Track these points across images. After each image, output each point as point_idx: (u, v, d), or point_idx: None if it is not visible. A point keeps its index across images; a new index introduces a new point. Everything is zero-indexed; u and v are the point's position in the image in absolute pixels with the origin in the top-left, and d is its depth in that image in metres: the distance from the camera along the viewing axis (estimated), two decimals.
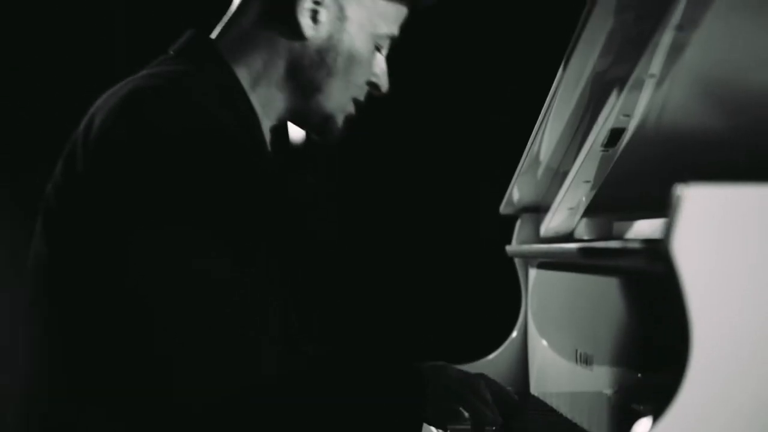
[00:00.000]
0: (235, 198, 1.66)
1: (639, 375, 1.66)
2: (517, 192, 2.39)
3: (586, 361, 1.92)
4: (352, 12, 1.85)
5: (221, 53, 1.85)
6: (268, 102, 1.87)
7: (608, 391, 1.79)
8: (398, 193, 4.07)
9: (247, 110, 1.84)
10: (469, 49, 3.89)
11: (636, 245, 1.56)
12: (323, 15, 1.83)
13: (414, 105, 3.97)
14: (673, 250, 1.32)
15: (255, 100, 1.86)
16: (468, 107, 3.96)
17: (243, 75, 1.85)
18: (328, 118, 1.89)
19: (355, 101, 1.91)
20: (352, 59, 1.86)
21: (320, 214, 4.12)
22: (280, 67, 1.86)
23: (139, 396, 1.63)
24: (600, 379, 1.84)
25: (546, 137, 2.13)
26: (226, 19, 1.89)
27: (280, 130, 1.96)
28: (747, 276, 1.33)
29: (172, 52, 1.85)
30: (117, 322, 1.63)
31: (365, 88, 1.91)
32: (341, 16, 1.85)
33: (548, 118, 2.06)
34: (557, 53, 1.94)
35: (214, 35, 1.88)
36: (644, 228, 1.95)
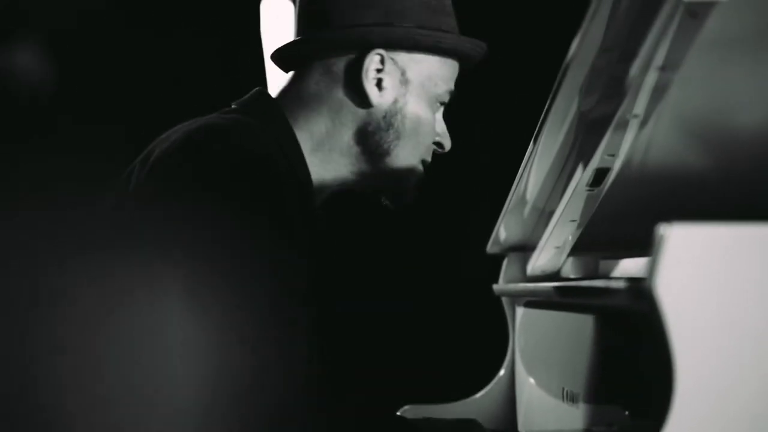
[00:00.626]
0: (275, 251, 1.65)
1: (624, 413, 1.67)
2: (503, 231, 2.40)
3: (572, 399, 1.93)
4: (413, 74, 1.89)
5: (285, 116, 1.86)
6: (329, 167, 1.88)
7: (594, 429, 1.79)
8: (385, 232, 4.07)
9: (301, 172, 1.84)
10: (457, 88, 3.91)
11: (620, 284, 1.57)
12: (387, 81, 1.86)
13: None
14: (656, 289, 1.33)
15: (314, 164, 1.87)
16: (454, 146, 3.97)
17: (304, 138, 1.86)
18: (399, 182, 1.91)
19: (423, 162, 1.94)
20: (418, 121, 1.89)
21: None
22: (345, 134, 1.88)
23: None
24: (586, 417, 1.84)
25: (532, 177, 2.15)
26: (285, 83, 1.91)
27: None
28: (730, 314, 1.34)
29: (235, 106, 1.87)
30: None
31: (432, 148, 1.94)
32: (404, 80, 1.88)
33: (534, 158, 2.08)
34: (542, 92, 1.95)
35: (279, 93, 1.90)
36: (630, 266, 1.97)
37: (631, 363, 1.66)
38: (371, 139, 1.89)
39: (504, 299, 2.50)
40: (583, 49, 1.80)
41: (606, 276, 2.07)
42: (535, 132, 2.00)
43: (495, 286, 2.50)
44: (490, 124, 3.81)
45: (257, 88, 1.91)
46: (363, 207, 4.02)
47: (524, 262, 2.39)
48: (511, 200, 2.26)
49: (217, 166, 1.64)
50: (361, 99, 1.87)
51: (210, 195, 1.63)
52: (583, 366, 1.89)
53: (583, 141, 1.91)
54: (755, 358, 1.36)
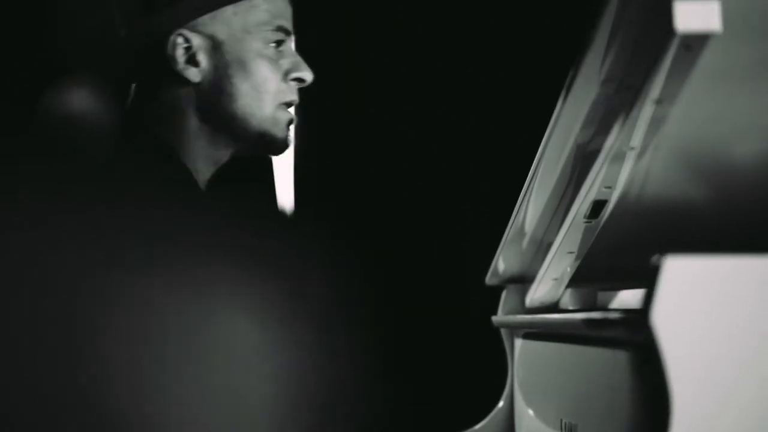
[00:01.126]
0: None
1: None
2: (502, 263, 2.41)
3: (570, 430, 1.93)
4: (222, 34, 1.89)
5: (146, 127, 1.89)
6: (199, 158, 1.90)
7: None
8: (383, 262, 4.07)
9: (181, 172, 1.87)
10: (453, 120, 3.92)
11: (617, 315, 1.57)
12: (200, 55, 1.88)
13: (399, 175, 3.99)
14: (653, 320, 1.34)
15: (188, 157, 1.89)
16: (453, 178, 3.98)
17: (169, 139, 1.89)
18: (261, 136, 1.93)
19: (288, 104, 1.94)
20: (247, 75, 1.89)
21: None
22: (191, 118, 1.90)
23: None
24: None
25: (530, 208, 2.15)
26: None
27: None
28: (727, 346, 1.35)
29: None
30: None
31: (288, 89, 1.94)
32: (216, 44, 1.89)
33: (532, 189, 2.08)
34: (539, 123, 1.96)
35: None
36: (628, 298, 1.98)
37: (629, 395, 1.66)
38: (212, 113, 1.90)
39: (503, 330, 2.50)
40: (579, 80, 1.81)
41: (604, 307, 2.08)
42: (534, 164, 2.01)
43: (494, 318, 2.50)
44: (488, 155, 3.82)
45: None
46: (364, 234, 4.04)
47: (523, 294, 2.39)
48: (509, 232, 2.27)
49: None
50: (183, 83, 1.89)
51: None
52: (582, 398, 1.90)
53: (581, 173, 1.91)
54: (753, 390, 1.36)
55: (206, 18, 1.88)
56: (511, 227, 2.25)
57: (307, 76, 1.96)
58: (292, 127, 1.98)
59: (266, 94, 1.91)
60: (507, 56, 3.75)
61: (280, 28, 1.95)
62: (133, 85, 1.94)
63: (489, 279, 2.49)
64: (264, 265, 1.98)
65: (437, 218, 4.00)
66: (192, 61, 1.88)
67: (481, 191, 3.83)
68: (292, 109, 2.00)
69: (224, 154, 1.94)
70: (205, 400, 1.63)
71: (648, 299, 1.34)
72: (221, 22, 1.89)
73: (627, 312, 1.55)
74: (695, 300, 1.35)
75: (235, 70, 1.89)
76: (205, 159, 1.92)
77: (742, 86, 1.71)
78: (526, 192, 2.10)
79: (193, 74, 1.88)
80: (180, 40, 1.88)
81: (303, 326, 1.88)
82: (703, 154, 1.81)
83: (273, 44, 1.94)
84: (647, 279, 1.36)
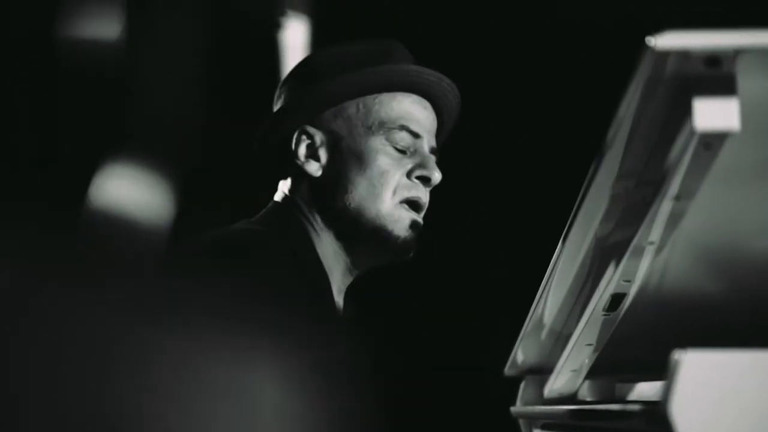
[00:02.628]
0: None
1: None
2: (521, 353, 2.42)
3: None
4: (343, 130, 1.91)
5: (298, 218, 1.90)
6: (329, 254, 1.91)
7: None
8: (404, 354, 4.08)
9: (315, 263, 1.87)
10: (475, 211, 3.95)
11: (635, 408, 1.58)
12: (321, 151, 1.90)
13: (417, 267, 4.01)
14: (671, 413, 1.35)
15: (326, 257, 1.90)
16: (473, 269, 4.00)
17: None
18: (377, 231, 1.90)
19: (414, 204, 1.92)
20: (364, 168, 1.89)
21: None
22: (317, 215, 1.91)
23: None
24: None
25: (549, 300, 2.17)
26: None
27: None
28: None
29: (255, 218, 1.92)
30: None
31: (412, 187, 1.92)
32: (336, 139, 1.90)
33: (552, 281, 2.10)
34: (560, 217, 1.99)
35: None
36: (646, 390, 1.98)
37: None
38: (333, 206, 1.91)
39: (521, 421, 2.51)
40: (600, 174, 1.84)
41: (622, 399, 2.08)
42: (554, 256, 2.03)
43: (513, 408, 2.50)
44: (509, 247, 3.84)
45: (273, 201, 1.96)
46: (388, 328, 4.05)
47: (542, 385, 2.40)
48: (529, 323, 2.28)
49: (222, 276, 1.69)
50: (305, 178, 1.91)
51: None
52: None
53: (600, 266, 1.93)
54: None
55: (329, 114, 1.90)
56: (530, 318, 2.26)
57: (435, 175, 1.94)
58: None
59: (384, 189, 1.90)
60: (530, 150, 3.78)
61: (404, 128, 1.95)
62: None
63: (508, 369, 2.50)
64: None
65: (457, 309, 4.01)
66: (314, 155, 1.90)
67: (501, 283, 3.85)
68: (420, 216, 1.97)
69: (357, 261, 1.93)
70: None
71: (666, 392, 1.36)
72: (343, 118, 1.91)
73: (646, 404, 1.56)
74: (713, 394, 1.36)
75: (352, 164, 1.90)
76: (340, 263, 1.92)
77: (760, 183, 1.73)
78: (546, 284, 2.12)
79: (314, 169, 1.90)
80: (303, 136, 1.90)
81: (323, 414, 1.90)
82: (721, 249, 1.84)
83: (398, 146, 1.93)
84: (666, 372, 1.38)
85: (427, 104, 1.99)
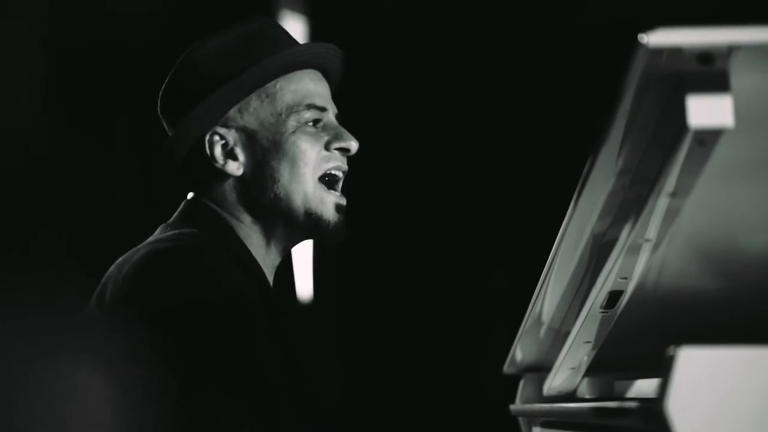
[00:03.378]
0: (246, 351, 1.70)
1: None
2: (520, 351, 2.42)
3: None
4: (253, 124, 1.92)
5: (217, 213, 1.91)
6: (257, 246, 1.93)
7: None
8: (403, 353, 4.08)
9: (250, 261, 1.89)
10: (471, 209, 3.95)
11: (632, 405, 1.59)
12: (237, 149, 1.91)
13: (416, 268, 4.02)
14: (668, 410, 1.35)
15: (252, 248, 1.91)
16: (470, 268, 4.00)
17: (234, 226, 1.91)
18: (308, 216, 1.92)
19: (332, 180, 1.94)
20: (283, 154, 1.91)
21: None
22: (242, 210, 1.92)
23: None
24: None
25: (547, 298, 2.17)
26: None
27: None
28: None
29: (172, 220, 1.92)
30: None
31: (331, 158, 1.94)
32: (250, 134, 1.92)
33: (549, 280, 2.11)
34: (556, 215, 1.99)
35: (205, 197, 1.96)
36: (644, 387, 1.99)
37: None
38: (259, 200, 1.92)
39: (521, 419, 2.51)
40: (595, 172, 1.84)
41: (621, 396, 2.09)
42: (551, 254, 2.03)
43: (512, 406, 2.50)
44: (505, 246, 3.84)
45: (185, 200, 1.96)
46: (388, 328, 4.06)
47: (540, 383, 2.40)
48: (527, 321, 2.28)
49: (170, 298, 1.69)
50: (224, 176, 1.92)
51: (173, 325, 1.67)
52: None
53: (597, 263, 1.94)
54: None
55: (233, 112, 1.91)
56: (528, 316, 2.27)
57: (352, 145, 1.97)
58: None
59: (306, 167, 1.92)
60: (526, 147, 3.79)
61: (311, 106, 1.97)
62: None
63: (507, 368, 2.50)
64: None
65: (455, 307, 4.01)
66: (231, 155, 1.91)
67: (498, 281, 3.85)
68: (341, 195, 1.99)
69: (283, 244, 1.94)
70: None
71: (663, 389, 1.36)
72: (249, 113, 1.93)
73: (643, 401, 1.56)
74: (709, 390, 1.36)
75: (272, 154, 1.91)
76: (268, 249, 1.93)
77: (756, 180, 1.73)
78: (543, 281, 2.12)
79: (234, 168, 1.91)
80: (216, 137, 1.91)
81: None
82: (717, 246, 1.84)
83: (309, 123, 1.96)
84: (662, 369, 1.38)
85: (320, 74, 2.02)
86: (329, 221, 1.96)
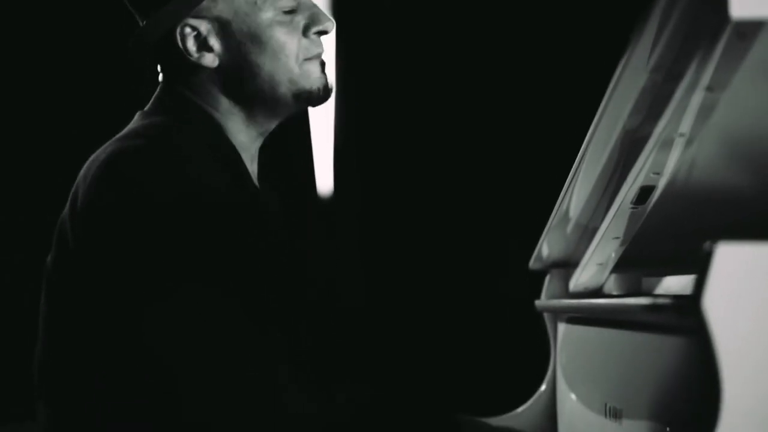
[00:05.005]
0: (227, 243, 1.68)
1: (668, 430, 1.68)
2: (546, 247, 2.41)
3: (615, 415, 1.94)
4: (227, 13, 1.88)
5: (189, 98, 1.89)
6: (237, 131, 1.90)
7: None
8: (429, 247, 4.09)
9: (229, 149, 1.86)
10: (502, 104, 3.93)
11: (666, 301, 1.58)
12: (211, 39, 1.87)
13: (445, 160, 4.01)
14: (704, 307, 1.34)
15: (231, 136, 1.89)
16: (501, 164, 3.99)
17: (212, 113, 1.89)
18: (296, 95, 1.90)
19: (314, 58, 1.92)
20: (263, 46, 1.88)
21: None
22: (220, 98, 1.89)
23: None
24: None
25: (576, 193, 2.16)
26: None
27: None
28: None
29: (147, 108, 1.90)
30: (132, 375, 1.66)
31: (310, 44, 1.92)
32: (223, 24, 1.88)
33: (579, 174, 2.09)
34: (588, 111, 1.97)
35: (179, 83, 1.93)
36: (673, 284, 1.98)
37: (675, 381, 1.67)
38: (238, 86, 1.89)
39: (546, 315, 2.51)
40: (629, 68, 1.82)
41: (649, 293, 2.08)
42: (581, 149, 2.01)
43: (537, 302, 2.50)
44: (535, 141, 3.82)
45: (160, 85, 1.93)
46: (409, 224, 4.06)
47: (567, 279, 2.39)
48: (554, 216, 2.27)
49: (140, 199, 1.67)
50: (203, 69, 1.89)
51: (145, 231, 1.65)
52: (626, 382, 1.90)
53: (628, 159, 1.92)
54: None
55: (207, 1, 1.86)
56: (556, 212, 2.25)
57: (328, 26, 1.93)
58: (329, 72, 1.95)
59: (288, 58, 1.89)
60: (558, 41, 3.75)
61: None
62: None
63: (533, 263, 2.49)
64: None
65: (482, 201, 4.01)
66: (205, 47, 1.87)
67: (526, 175, 3.84)
68: (323, 55, 1.96)
69: (264, 127, 1.92)
70: None
71: (699, 285, 1.35)
72: (223, 2, 1.87)
73: (677, 298, 1.55)
74: (747, 287, 1.36)
75: (249, 46, 1.87)
76: (248, 134, 1.91)
77: None
78: (572, 177, 2.11)
79: (210, 60, 1.87)
80: (187, 29, 1.86)
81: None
82: (752, 142, 1.82)
83: (285, 10, 1.91)
84: (698, 265, 1.37)
85: None
86: (318, 89, 1.93)
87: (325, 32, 1.93)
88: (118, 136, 1.83)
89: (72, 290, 1.71)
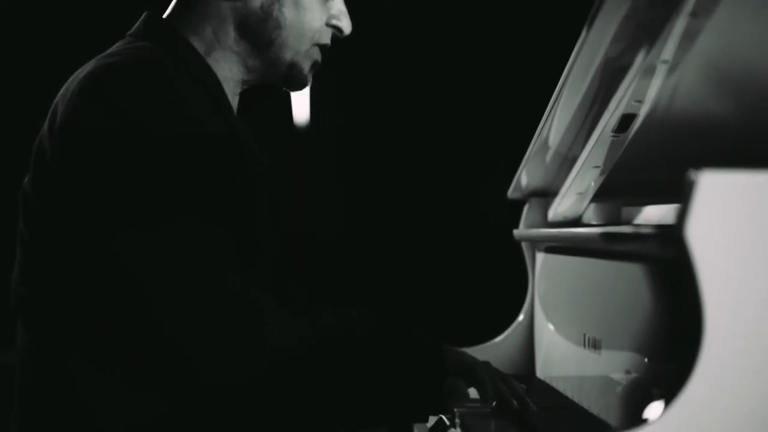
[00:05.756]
0: (210, 169, 1.67)
1: (647, 360, 1.67)
2: (525, 176, 2.40)
3: (594, 345, 1.93)
4: None
5: (175, 29, 1.86)
6: (226, 68, 1.89)
7: (617, 376, 1.80)
8: (406, 177, 4.08)
9: (207, 77, 1.85)
10: (481, 35, 3.90)
11: (648, 230, 1.56)
12: None
13: (423, 90, 3.98)
14: (687, 236, 1.33)
15: (213, 68, 1.87)
16: (478, 93, 3.96)
17: (198, 46, 1.87)
18: (291, 67, 1.91)
19: (320, 46, 1.93)
20: (298, 6, 1.88)
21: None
22: (229, 32, 1.88)
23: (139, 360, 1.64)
24: (609, 364, 1.85)
25: (556, 122, 2.14)
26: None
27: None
28: (760, 263, 1.34)
29: (128, 36, 1.87)
30: (112, 301, 1.64)
31: (326, 32, 1.93)
32: None
33: (558, 103, 2.07)
34: (570, 38, 1.94)
35: (165, 14, 1.90)
36: (653, 213, 1.96)
37: (654, 310, 1.66)
38: (254, 33, 1.88)
39: (524, 244, 2.50)
40: None
41: (628, 222, 2.07)
42: (562, 77, 1.99)
43: (515, 231, 2.49)
44: (514, 68, 3.80)
45: (145, 13, 1.91)
46: (385, 156, 4.05)
47: (545, 208, 2.38)
48: (534, 145, 2.25)
49: (119, 115, 1.64)
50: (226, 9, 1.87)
51: (126, 149, 1.62)
52: (605, 312, 1.90)
53: (610, 87, 1.89)
54: None
55: None
56: (535, 140, 2.23)
57: (346, 28, 1.94)
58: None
59: (308, 32, 1.89)
60: None
61: None
62: None
63: (511, 192, 2.48)
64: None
65: (460, 130, 3.99)
66: None
67: (505, 105, 3.82)
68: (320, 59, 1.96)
69: (247, 78, 1.91)
70: None
71: (682, 213, 1.33)
72: None
73: (660, 227, 1.54)
74: (730, 215, 1.34)
75: (290, 9, 1.87)
76: (231, 75, 1.89)
77: None
78: (552, 105, 2.08)
79: (257, 5, 1.86)
80: None
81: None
82: (735, 69, 1.79)
83: None
84: (681, 194, 1.35)
85: None
86: (306, 75, 1.93)
87: (341, 31, 1.93)
88: (102, 54, 1.80)
89: (50, 210, 1.68)
